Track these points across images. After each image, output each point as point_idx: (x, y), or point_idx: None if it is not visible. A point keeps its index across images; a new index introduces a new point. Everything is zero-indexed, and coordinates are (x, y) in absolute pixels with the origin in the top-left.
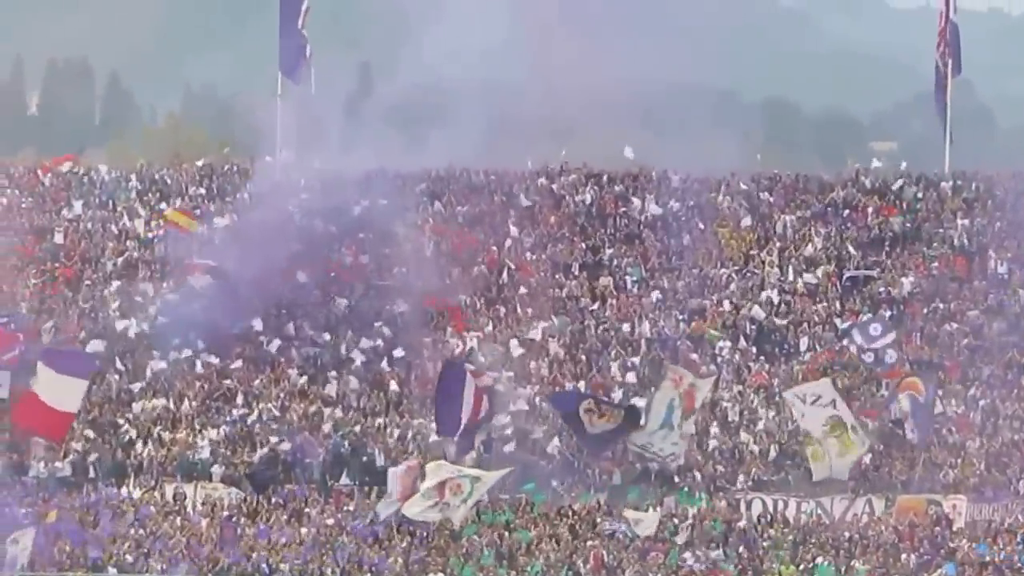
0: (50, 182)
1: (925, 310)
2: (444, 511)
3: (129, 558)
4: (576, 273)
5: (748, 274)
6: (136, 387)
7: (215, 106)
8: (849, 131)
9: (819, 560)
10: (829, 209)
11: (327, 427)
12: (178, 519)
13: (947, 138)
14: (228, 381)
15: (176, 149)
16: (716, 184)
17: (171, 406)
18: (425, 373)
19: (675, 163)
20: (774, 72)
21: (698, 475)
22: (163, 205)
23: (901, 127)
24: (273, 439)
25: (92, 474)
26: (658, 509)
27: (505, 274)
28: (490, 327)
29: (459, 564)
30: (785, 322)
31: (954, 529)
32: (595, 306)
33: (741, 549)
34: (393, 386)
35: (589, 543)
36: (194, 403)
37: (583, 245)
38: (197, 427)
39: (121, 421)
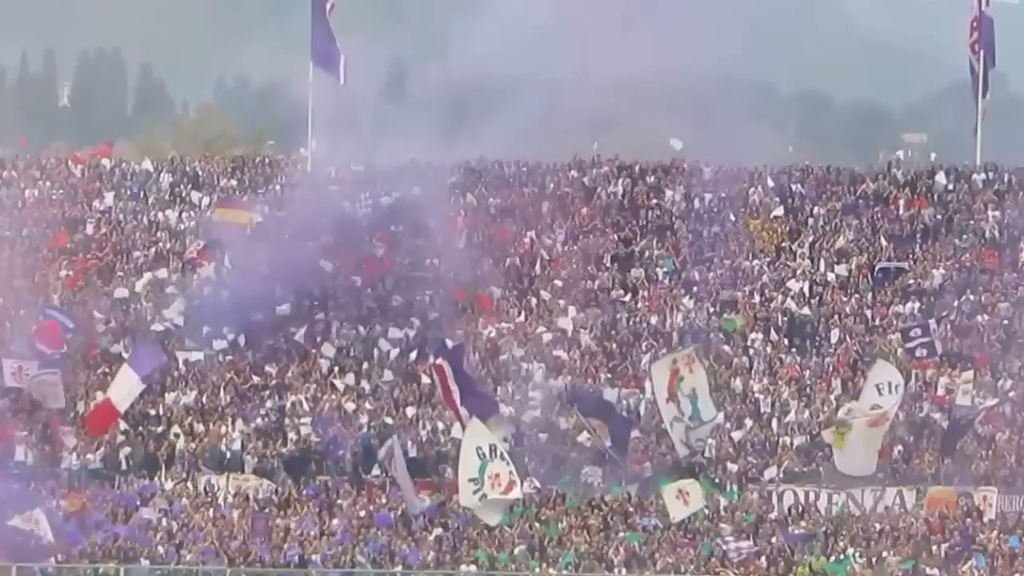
0: (81, 173)
1: (956, 302)
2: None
3: (161, 549)
4: (608, 265)
5: (780, 266)
6: (168, 379)
7: (247, 98)
8: (881, 123)
9: (850, 551)
10: (860, 201)
11: (359, 419)
12: (210, 511)
13: (978, 130)
14: (259, 373)
15: (208, 141)
16: (748, 176)
17: (203, 398)
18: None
19: (709, 155)
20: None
21: (730, 467)
22: (195, 196)
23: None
24: (305, 431)
25: (124, 466)
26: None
27: (537, 265)
28: (522, 318)
29: (491, 555)
30: (816, 314)
31: (984, 521)
32: (627, 298)
33: (773, 540)
34: (425, 378)
35: (620, 534)
36: (226, 395)
37: (615, 237)
38: (229, 419)
39: (153, 413)
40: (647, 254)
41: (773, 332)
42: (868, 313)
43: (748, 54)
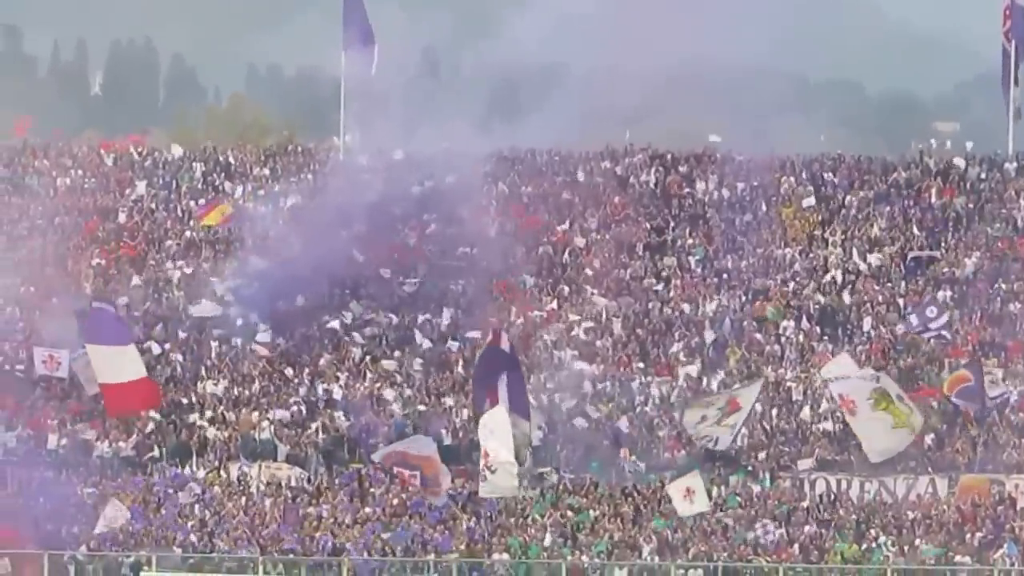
0: (113, 162)
1: (988, 290)
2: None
3: (193, 537)
4: (640, 253)
5: (812, 255)
6: (200, 367)
7: (280, 87)
8: (913, 112)
9: (882, 539)
10: (892, 190)
11: (391, 407)
12: (242, 499)
13: (1011, 119)
14: (292, 362)
15: (240, 130)
16: (780, 165)
17: (235, 386)
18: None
19: (741, 144)
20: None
21: (762, 455)
22: (227, 185)
23: (964, 108)
24: (337, 418)
25: (156, 454)
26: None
27: (569, 254)
28: (554, 306)
29: (524, 543)
30: (849, 303)
31: (1017, 509)
32: (659, 286)
33: (806, 528)
34: (459, 367)
35: (652, 523)
36: (258, 383)
37: (647, 226)
38: (262, 407)
39: (185, 401)
40: (679, 243)
41: (805, 320)
42: (900, 302)
43: (780, 44)
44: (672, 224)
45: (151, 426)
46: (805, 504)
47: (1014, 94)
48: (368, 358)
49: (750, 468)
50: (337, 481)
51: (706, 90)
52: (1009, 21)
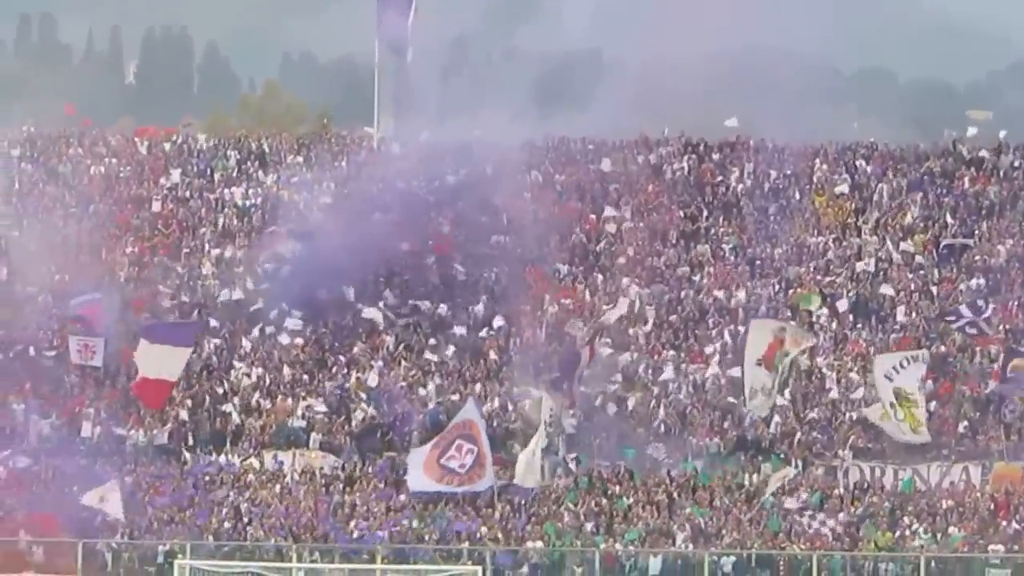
0: (147, 151)
1: (1021, 278)
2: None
3: (227, 525)
4: (673, 241)
5: (845, 243)
6: (234, 355)
7: (314, 74)
8: (946, 100)
9: (916, 527)
10: (925, 178)
11: (426, 395)
12: (277, 487)
13: None
14: (326, 350)
15: (274, 118)
16: (813, 153)
17: (269, 374)
18: (524, 341)
19: (774, 132)
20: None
21: (795, 443)
22: (261, 174)
23: (997, 96)
24: (371, 407)
25: (190, 442)
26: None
27: (603, 242)
28: (587, 295)
29: (559, 529)
30: (882, 291)
31: None
32: (692, 274)
33: (840, 516)
34: (492, 355)
35: (686, 510)
36: (292, 371)
37: (680, 214)
38: (297, 395)
39: (219, 389)
40: (712, 231)
41: (838, 308)
42: (934, 290)
43: (812, 32)
44: (705, 212)
45: (184, 414)
46: (839, 492)
47: None
48: (402, 346)
49: (783, 456)
50: (370, 469)
51: (739, 78)
52: None
